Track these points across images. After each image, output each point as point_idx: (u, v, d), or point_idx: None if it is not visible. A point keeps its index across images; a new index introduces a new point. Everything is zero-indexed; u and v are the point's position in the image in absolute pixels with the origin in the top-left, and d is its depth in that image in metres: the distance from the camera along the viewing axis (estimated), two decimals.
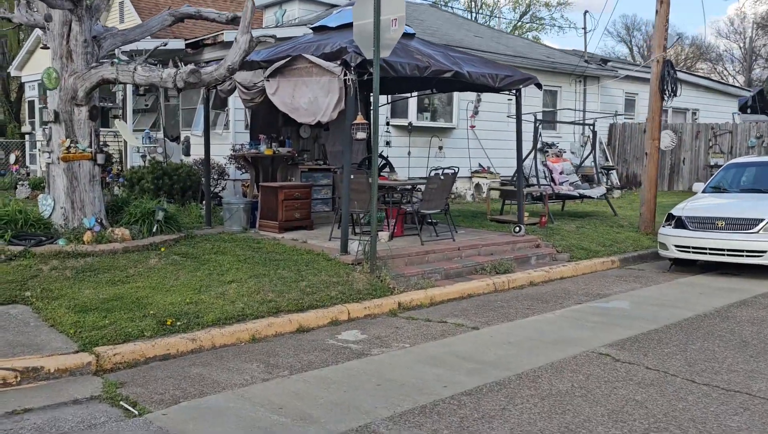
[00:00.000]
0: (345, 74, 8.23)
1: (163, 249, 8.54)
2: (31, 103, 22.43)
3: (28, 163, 20.54)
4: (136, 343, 5.80)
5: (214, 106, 11.93)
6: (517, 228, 10.50)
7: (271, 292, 7.23)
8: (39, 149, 19.39)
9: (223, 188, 13.70)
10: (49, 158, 9.08)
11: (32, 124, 22.41)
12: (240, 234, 10.04)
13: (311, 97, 8.71)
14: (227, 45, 13.53)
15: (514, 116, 10.69)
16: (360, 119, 8.15)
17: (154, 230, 9.06)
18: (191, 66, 7.65)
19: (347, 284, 7.71)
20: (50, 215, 8.96)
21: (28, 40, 21.32)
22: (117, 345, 5.73)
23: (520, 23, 45.73)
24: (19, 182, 16.73)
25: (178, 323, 6.24)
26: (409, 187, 10.83)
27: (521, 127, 10.52)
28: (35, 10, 9.67)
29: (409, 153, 15.92)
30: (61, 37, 8.85)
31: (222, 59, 7.93)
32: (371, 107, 12.30)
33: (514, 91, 10.33)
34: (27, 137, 23.28)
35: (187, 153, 15.18)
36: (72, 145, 8.85)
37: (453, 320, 7.13)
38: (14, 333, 5.89)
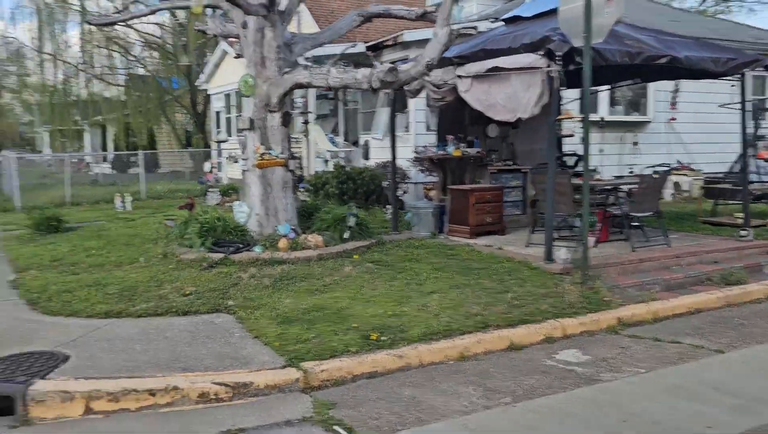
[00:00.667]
0: (549, 65, 7.48)
1: (356, 256, 8.26)
2: (218, 114, 23.64)
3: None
4: (342, 359, 5.43)
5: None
6: (744, 232, 9.16)
7: (476, 304, 6.65)
8: (227, 157, 20.29)
9: (405, 192, 13.37)
10: (245, 165, 9.13)
11: (218, 133, 23.63)
12: (429, 240, 9.58)
13: (509, 93, 8.04)
14: (407, 45, 13.28)
15: (727, 106, 9.38)
16: (567, 113, 7.37)
17: (346, 236, 8.82)
18: (388, 64, 7.27)
19: (557, 297, 6.95)
20: (246, 222, 8.99)
21: (214, 54, 22.41)
22: (323, 360, 5.39)
23: (703, 8, 42.06)
24: (209, 190, 17.55)
25: (383, 338, 5.82)
26: (610, 187, 9.82)
27: (746, 116, 9.20)
28: (230, 20, 9.82)
29: (600, 150, 14.72)
30: (255, 44, 8.85)
31: (401, 60, 7.49)
32: (562, 102, 11.49)
33: (738, 77, 9.03)
34: (213, 145, 24.61)
35: (366, 157, 15.07)
36: (266, 152, 8.82)
37: (688, 341, 6.15)
38: (220, 344, 5.76)
